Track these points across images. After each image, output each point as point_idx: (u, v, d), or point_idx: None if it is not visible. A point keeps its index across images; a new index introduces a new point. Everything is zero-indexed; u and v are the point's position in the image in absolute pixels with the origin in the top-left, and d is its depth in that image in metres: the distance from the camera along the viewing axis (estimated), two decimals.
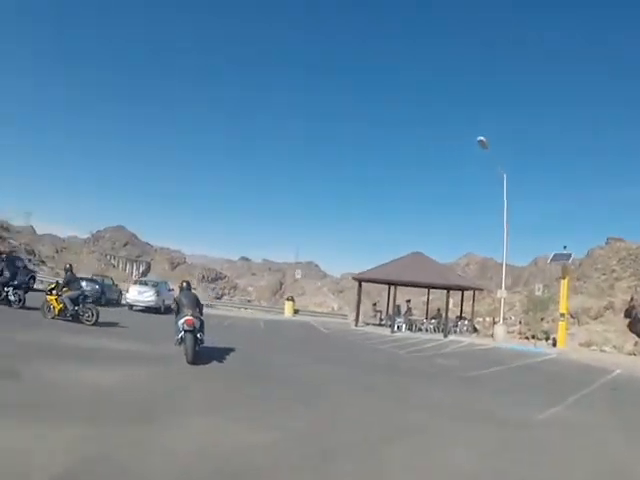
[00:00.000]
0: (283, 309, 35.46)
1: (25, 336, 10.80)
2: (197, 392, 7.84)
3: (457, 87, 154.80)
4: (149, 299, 23.15)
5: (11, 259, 21.52)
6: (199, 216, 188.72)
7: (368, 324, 30.45)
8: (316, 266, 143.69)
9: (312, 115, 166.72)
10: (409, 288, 33.72)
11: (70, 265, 16.75)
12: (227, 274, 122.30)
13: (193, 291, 12.16)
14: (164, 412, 6.30)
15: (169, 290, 25.30)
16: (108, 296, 24.14)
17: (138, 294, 23.43)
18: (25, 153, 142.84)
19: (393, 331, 25.67)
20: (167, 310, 22.30)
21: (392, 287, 29.09)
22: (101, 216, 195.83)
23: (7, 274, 15.69)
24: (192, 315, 10.33)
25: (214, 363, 10.52)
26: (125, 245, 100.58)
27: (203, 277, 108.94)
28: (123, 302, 24.93)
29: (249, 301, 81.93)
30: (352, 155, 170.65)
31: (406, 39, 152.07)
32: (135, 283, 25.90)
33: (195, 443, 5.18)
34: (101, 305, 22.50)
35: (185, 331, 10.05)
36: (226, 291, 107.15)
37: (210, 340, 12.01)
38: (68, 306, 14.35)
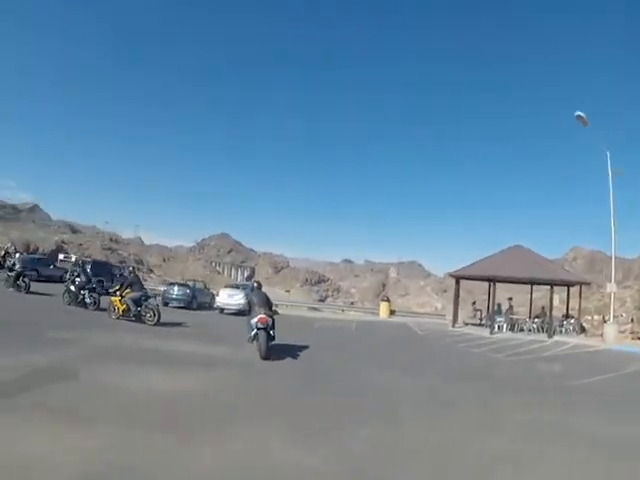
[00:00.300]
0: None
1: (93, 336, 11.27)
2: (256, 394, 7.64)
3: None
4: (238, 302, 23.37)
5: (85, 264, 23.26)
6: (301, 220, 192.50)
7: (467, 324, 28.49)
8: (419, 265, 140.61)
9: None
10: (512, 285, 31.26)
11: (133, 267, 17.79)
12: (330, 277, 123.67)
13: (264, 290, 12.70)
14: (220, 418, 5.99)
15: None
16: (200, 300, 24.91)
17: (228, 297, 23.87)
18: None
19: (492, 332, 23.66)
20: None
21: (492, 284, 27.01)
22: (206, 225, 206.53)
23: (83, 278, 16.73)
24: (264, 313, 10.87)
25: (287, 360, 10.85)
26: (230, 252, 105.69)
27: (306, 280, 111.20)
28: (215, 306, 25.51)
29: (352, 303, 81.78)
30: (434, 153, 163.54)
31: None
32: (226, 287, 26.45)
33: (238, 457, 4.75)
34: (192, 309, 23.35)
35: (258, 329, 10.64)
36: (329, 293, 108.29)
37: (292, 339, 12.93)
38: (131, 307, 14.97)
